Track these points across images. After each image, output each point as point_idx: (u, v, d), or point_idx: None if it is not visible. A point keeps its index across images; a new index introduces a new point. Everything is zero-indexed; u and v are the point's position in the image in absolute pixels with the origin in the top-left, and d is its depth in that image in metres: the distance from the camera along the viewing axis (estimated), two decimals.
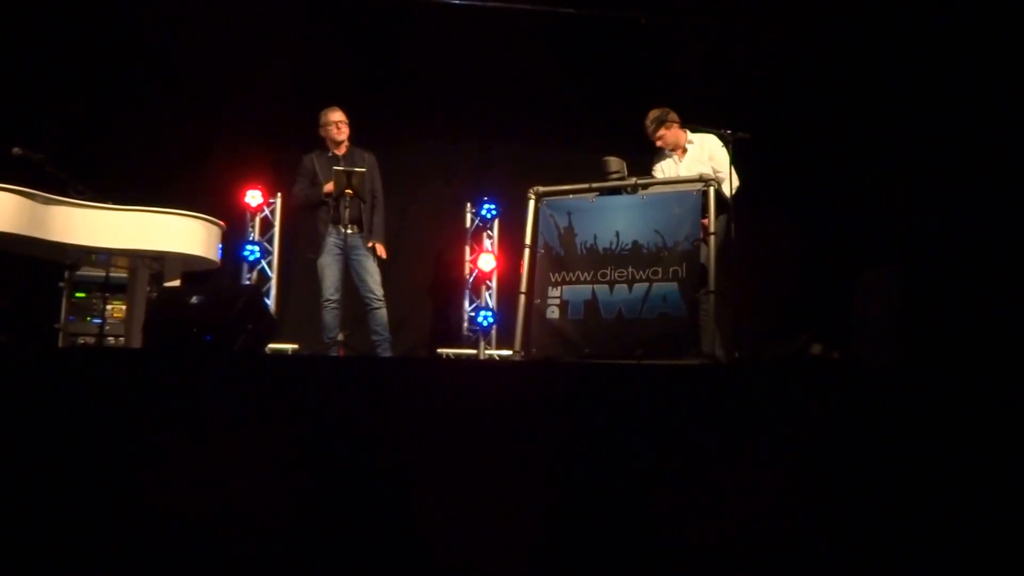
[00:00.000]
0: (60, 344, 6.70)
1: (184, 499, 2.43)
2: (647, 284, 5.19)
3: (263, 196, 8.01)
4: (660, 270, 5.19)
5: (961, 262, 4.18)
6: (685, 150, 5.97)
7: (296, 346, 7.27)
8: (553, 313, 5.39)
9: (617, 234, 5.36)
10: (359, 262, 6.28)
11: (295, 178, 6.51)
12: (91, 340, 6.76)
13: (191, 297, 4.53)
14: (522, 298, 5.57)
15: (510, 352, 5.97)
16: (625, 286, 5.25)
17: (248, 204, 7.97)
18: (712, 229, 5.15)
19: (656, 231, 5.27)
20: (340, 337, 6.05)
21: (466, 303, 8.37)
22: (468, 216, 8.46)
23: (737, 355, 5.52)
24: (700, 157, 5.91)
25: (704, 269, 5.15)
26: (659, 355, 4.92)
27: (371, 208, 6.39)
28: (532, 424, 2.60)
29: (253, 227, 8.03)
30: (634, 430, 2.59)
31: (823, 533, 2.45)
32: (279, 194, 8.03)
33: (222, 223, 6.19)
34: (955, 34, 7.00)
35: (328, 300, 6.20)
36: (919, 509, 2.45)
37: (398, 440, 2.58)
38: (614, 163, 5.68)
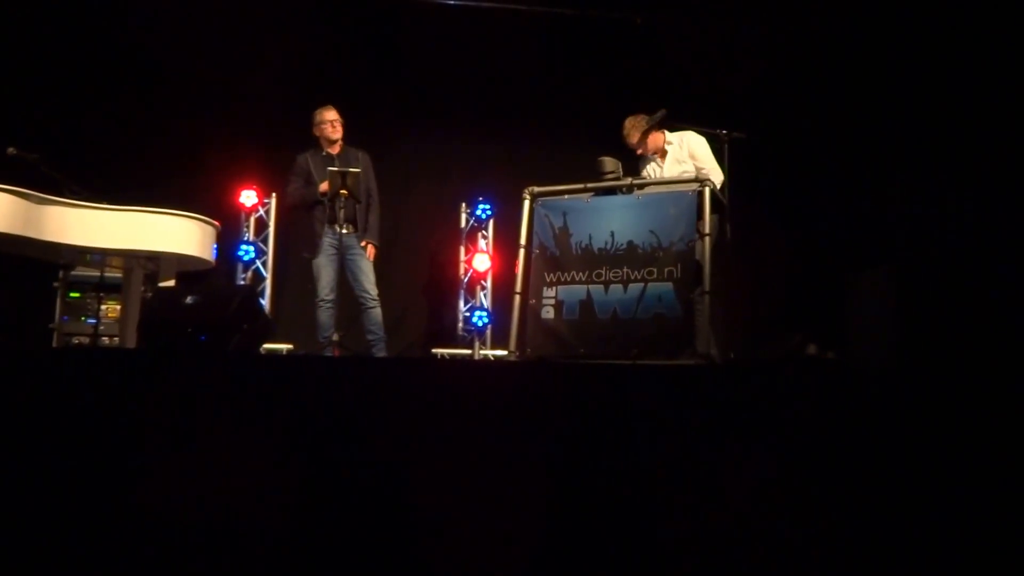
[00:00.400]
0: (54, 344, 6.69)
1: (179, 499, 2.43)
2: (642, 284, 5.19)
3: (258, 196, 8.00)
4: (655, 270, 5.19)
5: (955, 262, 4.19)
6: (665, 152, 5.96)
7: (291, 346, 7.27)
8: (548, 313, 5.38)
9: (612, 234, 5.35)
10: (354, 261, 6.27)
11: (289, 178, 6.49)
12: (85, 340, 6.75)
13: (186, 297, 4.53)
14: (517, 298, 5.56)
15: (505, 352, 5.98)
16: (620, 286, 5.25)
17: (243, 204, 7.97)
18: (707, 229, 5.15)
19: (651, 231, 5.26)
20: (335, 337, 6.05)
21: (461, 303, 8.38)
22: (463, 216, 8.46)
23: (732, 355, 5.52)
24: (681, 156, 5.90)
25: (699, 269, 5.15)
26: (654, 355, 4.91)
27: (366, 208, 6.39)
28: (527, 424, 2.60)
29: (248, 227, 8.03)
30: (629, 430, 2.59)
31: (818, 533, 2.46)
32: (274, 194, 8.02)
33: (217, 223, 6.18)
34: (949, 36, 7.02)
35: (323, 300, 6.19)
36: (914, 509, 2.45)
37: (393, 440, 2.58)
38: (609, 163, 5.67)
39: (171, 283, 6.06)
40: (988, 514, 2.42)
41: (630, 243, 5.30)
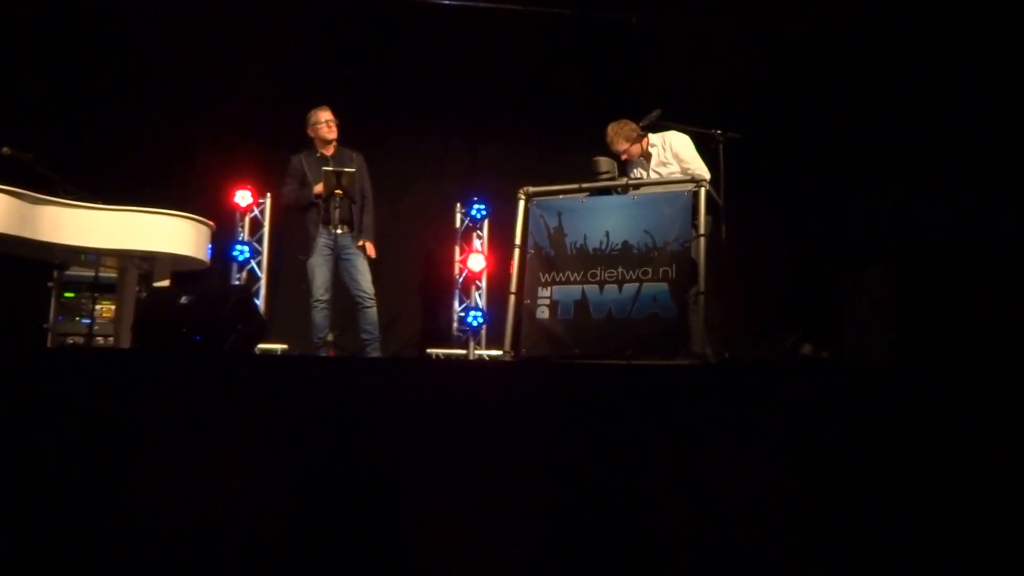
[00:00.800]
0: (49, 344, 6.67)
1: (174, 500, 2.43)
2: (637, 284, 5.19)
3: (253, 196, 7.99)
4: (650, 270, 5.19)
5: (950, 262, 4.19)
6: (650, 155, 5.96)
7: (285, 346, 7.26)
8: (543, 313, 5.39)
9: (607, 234, 5.36)
10: (350, 261, 6.26)
11: (283, 179, 6.48)
12: (80, 340, 6.73)
13: (181, 297, 4.52)
14: (512, 298, 5.56)
15: (500, 352, 5.97)
16: (615, 286, 5.25)
17: (238, 204, 7.96)
18: (702, 230, 5.15)
19: (646, 231, 5.27)
20: (330, 337, 6.04)
21: (456, 303, 8.37)
22: (458, 216, 8.45)
23: (727, 355, 5.53)
24: (665, 158, 5.89)
25: (694, 269, 5.15)
26: (649, 355, 4.92)
27: (361, 208, 6.38)
28: (522, 424, 2.60)
29: (243, 227, 8.02)
30: (624, 430, 2.59)
31: (814, 531, 2.46)
32: (268, 194, 8.01)
33: (212, 223, 6.17)
34: (944, 37, 7.03)
35: (318, 300, 6.18)
36: (910, 507, 2.45)
37: (388, 440, 2.58)
38: (604, 163, 5.68)
39: (166, 283, 6.06)
40: (984, 513, 2.43)
41: (625, 243, 5.30)
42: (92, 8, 7.44)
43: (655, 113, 5.73)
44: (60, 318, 6.81)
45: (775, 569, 2.43)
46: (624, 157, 5.90)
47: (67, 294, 6.85)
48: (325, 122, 6.38)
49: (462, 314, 8.31)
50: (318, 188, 6.17)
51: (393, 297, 7.97)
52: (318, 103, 6.50)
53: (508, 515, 2.47)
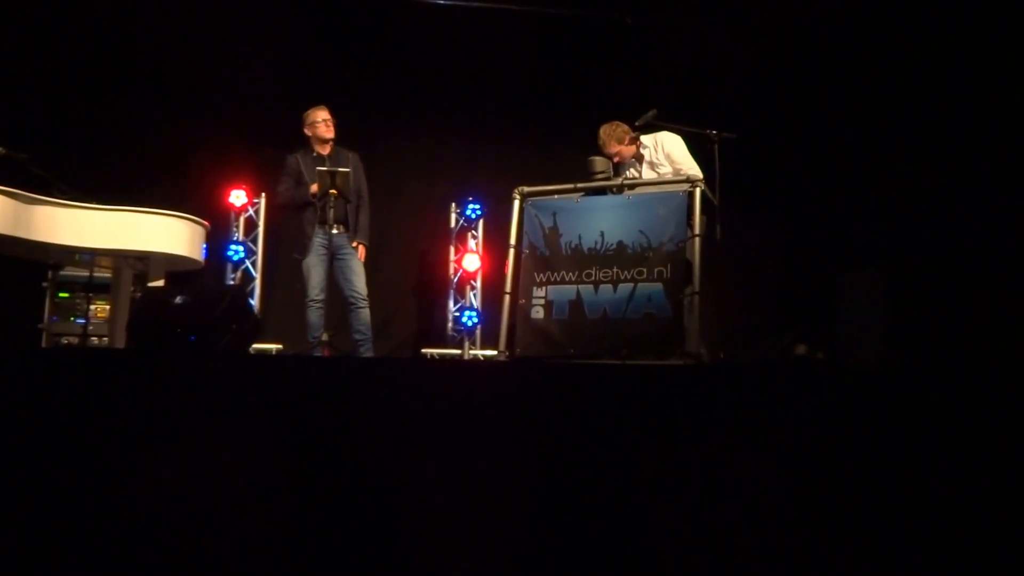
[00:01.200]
0: (43, 344, 6.66)
1: (169, 500, 2.42)
2: (632, 284, 5.20)
3: (247, 196, 7.98)
4: (645, 270, 5.20)
5: (943, 264, 4.21)
6: (642, 156, 5.96)
7: (280, 346, 7.26)
8: (538, 313, 5.39)
9: (602, 234, 5.36)
10: (344, 262, 6.25)
11: (280, 178, 6.47)
12: (75, 340, 6.73)
13: (175, 297, 4.52)
14: (507, 298, 5.56)
15: (495, 352, 5.97)
16: (610, 286, 5.26)
17: (232, 204, 7.95)
18: (697, 230, 5.16)
19: (641, 231, 5.27)
20: (324, 337, 6.03)
21: (450, 303, 8.37)
22: (453, 216, 8.45)
23: (722, 356, 5.54)
24: (657, 159, 5.89)
25: (689, 269, 5.16)
26: (644, 355, 4.92)
27: (356, 208, 6.37)
28: (517, 424, 2.60)
29: (237, 227, 8.01)
30: (619, 430, 2.59)
31: (808, 532, 2.46)
32: (263, 194, 8.01)
33: (206, 223, 6.17)
34: (939, 39, 7.04)
35: (313, 300, 6.17)
36: (904, 507, 2.46)
37: (383, 440, 2.57)
38: (599, 163, 5.68)
39: (160, 283, 6.05)
40: (978, 513, 2.43)
41: (620, 243, 5.31)
42: (87, 7, 7.43)
43: (651, 113, 5.72)
44: (55, 318, 6.81)
45: (769, 569, 2.44)
46: (616, 159, 5.90)
47: (62, 294, 6.84)
48: (323, 121, 6.36)
49: (457, 314, 8.31)
50: (314, 188, 6.16)
51: (388, 297, 7.96)
52: (314, 103, 6.49)
53: (503, 515, 2.47)
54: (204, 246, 6.22)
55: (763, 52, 7.79)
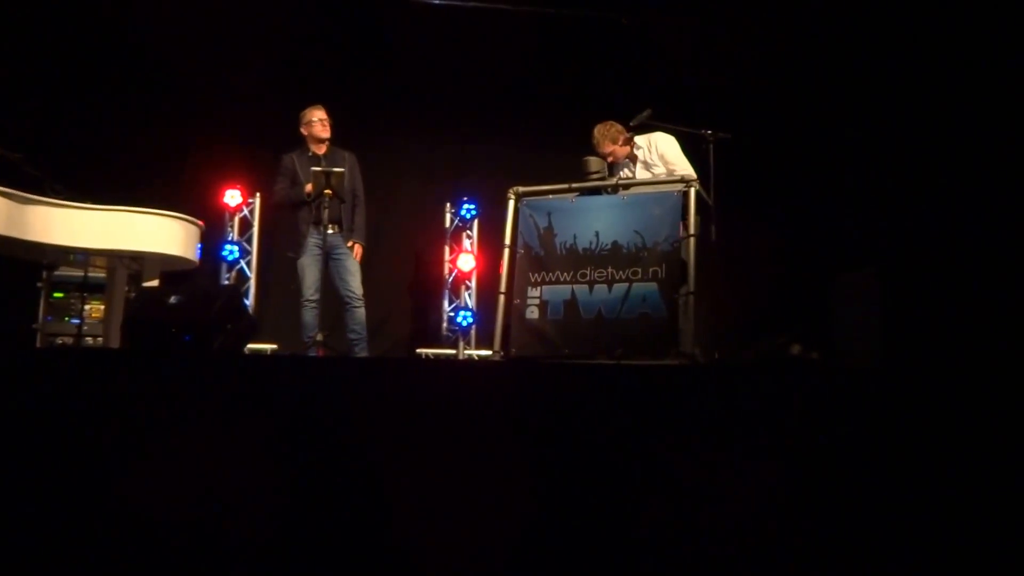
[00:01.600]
0: (38, 344, 6.65)
1: (163, 501, 2.42)
2: (627, 284, 5.21)
3: (242, 196, 7.97)
4: (640, 270, 5.21)
5: (938, 264, 4.21)
6: (635, 156, 5.97)
7: (275, 346, 7.25)
8: (533, 313, 5.39)
9: (597, 234, 5.37)
10: (340, 261, 6.25)
11: (276, 178, 6.46)
12: (69, 340, 6.71)
13: (170, 297, 4.50)
14: (501, 298, 5.56)
15: (489, 352, 5.97)
16: (605, 286, 5.26)
17: (227, 204, 7.94)
18: (692, 230, 5.16)
19: (636, 231, 5.28)
20: (319, 337, 6.03)
21: (445, 303, 8.37)
22: (448, 216, 8.46)
23: (717, 355, 5.54)
24: (651, 160, 5.90)
25: (684, 269, 5.16)
26: (639, 355, 4.92)
27: (351, 208, 6.37)
28: (512, 424, 2.60)
29: (232, 227, 8.00)
30: (614, 430, 2.59)
31: (803, 532, 2.46)
32: (258, 194, 8.00)
33: (201, 223, 6.15)
34: (932, 39, 7.05)
35: (308, 300, 6.16)
36: (899, 507, 2.46)
37: (378, 440, 2.57)
38: (594, 163, 5.68)
39: (155, 283, 6.05)
40: (974, 512, 2.44)
41: (615, 243, 5.31)
42: (80, 6, 7.41)
43: (646, 113, 5.73)
44: (49, 318, 6.80)
45: (765, 570, 2.44)
46: (610, 159, 5.90)
47: (56, 294, 6.83)
48: (319, 120, 6.36)
49: (451, 314, 8.31)
50: (308, 187, 6.16)
51: (382, 297, 7.96)
52: (309, 102, 6.48)
53: (498, 515, 2.47)
54: (199, 246, 6.21)
55: (758, 52, 7.79)
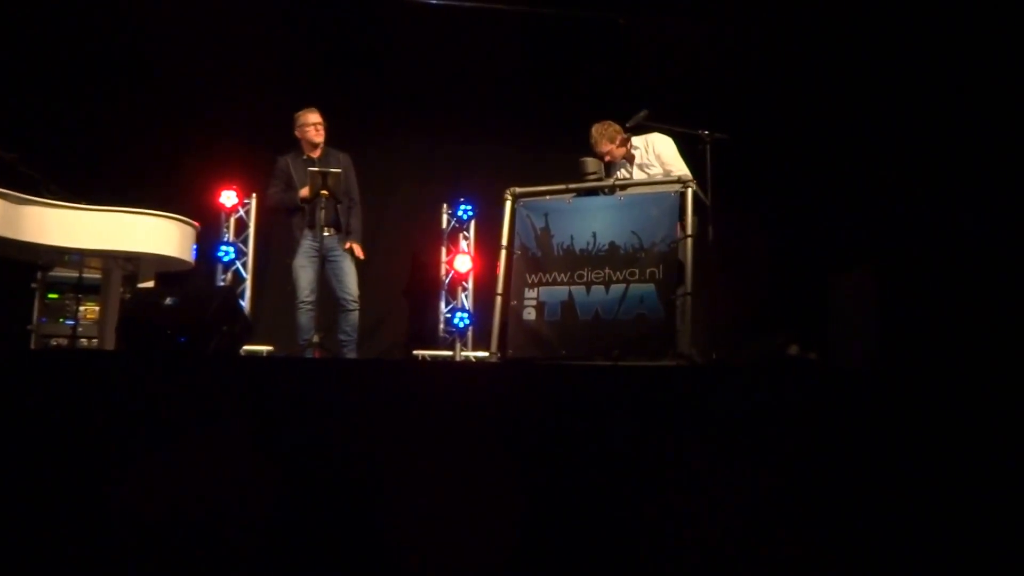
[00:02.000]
0: (32, 346, 6.63)
1: (159, 502, 2.41)
2: (624, 285, 5.20)
3: (238, 196, 7.96)
4: (637, 271, 5.20)
5: (935, 263, 4.20)
6: (632, 156, 5.96)
7: (271, 348, 7.23)
8: (530, 314, 5.39)
9: (594, 235, 5.36)
10: (336, 263, 6.23)
11: (270, 180, 6.44)
12: (64, 342, 6.70)
13: (165, 298, 4.51)
14: (498, 299, 5.56)
15: (486, 354, 5.97)
16: (602, 287, 5.26)
17: (223, 205, 7.92)
18: (689, 230, 5.16)
19: (633, 232, 5.27)
20: (315, 339, 6.02)
21: (442, 304, 8.36)
22: (444, 217, 8.44)
23: (714, 356, 5.53)
24: (647, 160, 5.90)
25: (681, 270, 5.16)
26: (636, 356, 4.92)
27: (347, 210, 6.35)
28: (509, 426, 2.59)
29: (228, 228, 7.98)
30: (611, 431, 2.59)
31: (801, 533, 2.46)
32: (254, 195, 7.98)
33: (196, 223, 6.15)
34: (928, 38, 7.06)
35: (304, 302, 6.15)
36: (896, 508, 2.45)
37: (374, 442, 2.56)
38: (591, 164, 5.68)
39: (150, 284, 6.03)
40: (970, 513, 2.43)
41: (612, 244, 5.31)
42: (75, 7, 7.39)
43: (642, 114, 5.73)
44: (44, 319, 6.78)
45: (762, 570, 2.43)
46: (607, 158, 5.90)
47: (51, 295, 6.81)
48: (312, 125, 6.33)
49: (448, 315, 8.29)
50: (303, 192, 6.14)
51: (379, 298, 7.95)
52: (304, 103, 6.47)
53: (495, 516, 2.46)
54: (194, 247, 6.20)
55: (754, 53, 7.80)
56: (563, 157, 5.99)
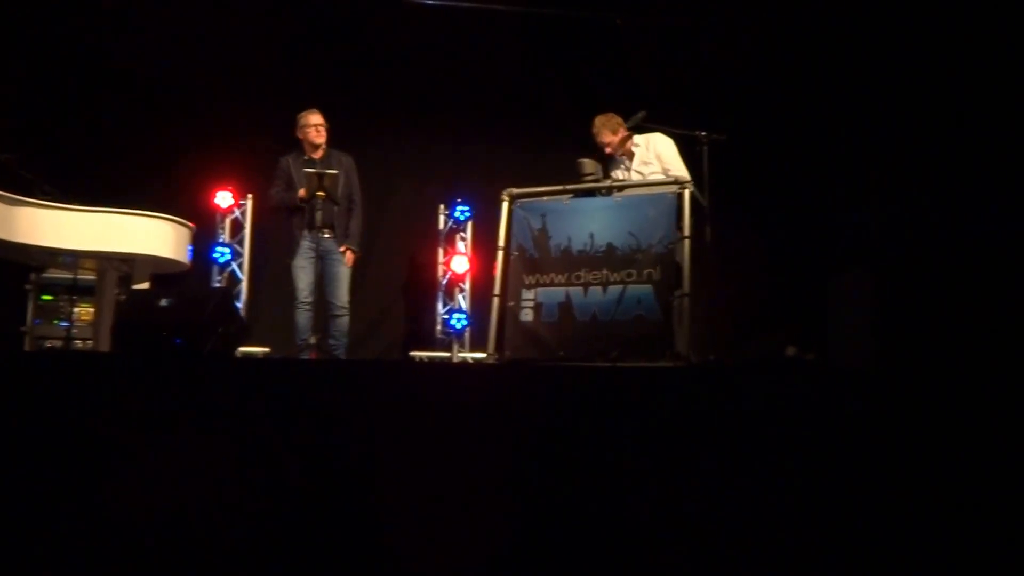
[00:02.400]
0: (26, 347, 6.61)
1: (154, 503, 2.40)
2: (621, 286, 5.19)
3: (234, 197, 7.92)
4: (634, 272, 5.19)
5: (932, 265, 4.20)
6: (633, 153, 5.95)
7: (267, 349, 7.21)
8: (527, 315, 5.38)
9: (591, 236, 5.35)
10: (331, 267, 6.22)
11: (273, 180, 6.43)
12: (58, 343, 6.68)
13: (160, 300, 4.51)
14: (495, 300, 5.55)
15: (484, 355, 5.96)
16: (599, 288, 5.25)
17: (218, 205, 7.89)
18: (687, 231, 5.15)
19: (630, 233, 5.26)
20: (312, 340, 6.00)
21: (439, 305, 8.34)
22: (441, 218, 8.42)
23: (712, 357, 5.53)
24: (647, 158, 5.89)
25: (679, 271, 5.15)
26: (634, 357, 4.91)
27: (347, 212, 6.33)
28: (506, 427, 2.58)
29: (223, 229, 7.95)
30: (608, 433, 2.58)
31: (798, 533, 2.45)
32: (250, 195, 7.95)
33: (192, 224, 6.13)
34: (924, 40, 7.06)
35: (302, 303, 6.15)
36: (894, 508, 2.45)
37: (371, 444, 2.55)
38: (588, 165, 5.67)
39: (145, 285, 6.01)
40: (967, 513, 2.42)
41: (609, 245, 5.30)
42: (71, 10, 7.38)
43: (640, 114, 5.73)
44: (38, 321, 6.76)
45: (760, 570, 2.42)
46: (608, 150, 5.88)
47: (45, 297, 6.79)
48: (314, 126, 6.31)
49: (445, 316, 8.27)
50: (301, 193, 6.13)
51: (376, 299, 7.95)
52: (300, 103, 6.45)
53: (493, 518, 2.45)
54: (190, 248, 6.18)
55: (751, 53, 7.79)
56: (560, 158, 5.97)
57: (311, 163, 6.25)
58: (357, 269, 6.39)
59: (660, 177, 5.65)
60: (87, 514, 2.40)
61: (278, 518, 2.44)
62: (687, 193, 5.21)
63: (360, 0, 7.79)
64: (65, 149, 7.18)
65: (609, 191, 5.57)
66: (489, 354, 5.54)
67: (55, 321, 6.80)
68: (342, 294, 6.23)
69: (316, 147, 6.33)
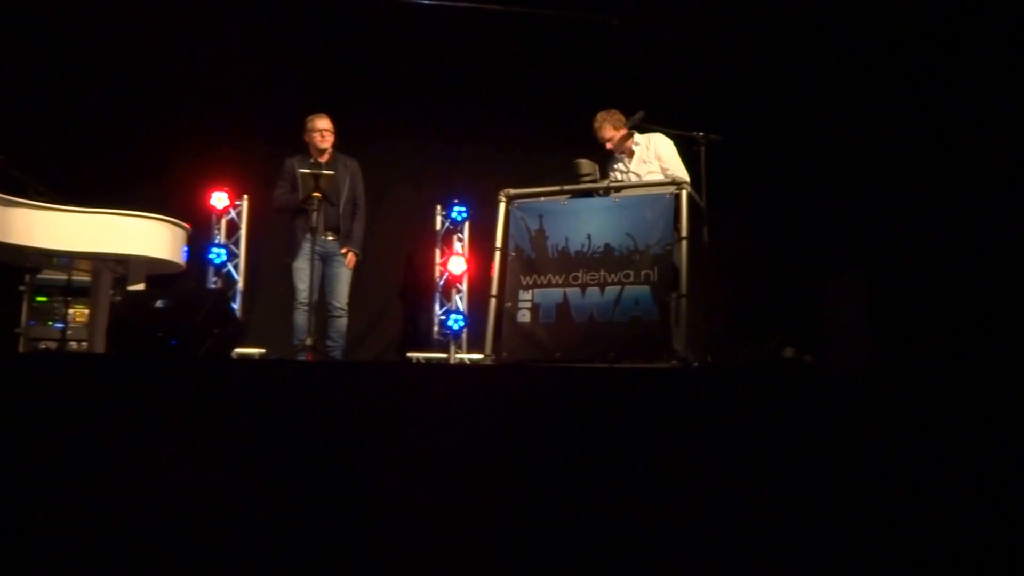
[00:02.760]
0: (21, 349, 6.59)
1: (150, 505, 2.39)
2: (619, 287, 5.19)
3: (229, 198, 7.91)
4: (632, 273, 5.19)
5: (929, 265, 4.20)
6: (633, 152, 5.95)
7: (263, 350, 7.20)
8: (524, 316, 5.38)
9: (589, 237, 5.35)
10: (331, 269, 6.26)
11: (278, 182, 6.43)
12: (53, 345, 6.66)
13: (156, 301, 4.49)
14: (493, 301, 5.55)
15: (481, 356, 5.95)
16: (597, 289, 5.24)
17: (214, 206, 7.87)
18: (684, 232, 5.15)
19: (628, 234, 5.26)
20: (309, 341, 5.99)
21: (436, 306, 8.33)
22: (438, 219, 8.42)
23: (710, 358, 5.52)
24: (647, 157, 5.90)
25: (676, 272, 5.15)
26: (631, 358, 4.92)
27: (351, 215, 6.35)
28: (503, 428, 2.58)
29: (219, 229, 7.93)
30: (606, 434, 2.57)
31: (796, 535, 2.44)
32: (245, 196, 7.94)
33: (187, 225, 6.11)
34: (923, 41, 7.06)
35: (301, 303, 6.16)
36: (892, 510, 2.45)
37: (368, 445, 2.55)
38: (586, 165, 5.67)
39: (141, 287, 5.99)
40: (965, 514, 2.42)
41: (607, 246, 5.30)
42: (66, 9, 7.36)
43: (639, 115, 5.74)
44: (32, 322, 6.74)
45: (758, 571, 2.42)
46: (609, 146, 5.89)
47: (39, 298, 6.77)
48: (319, 131, 6.34)
49: (443, 317, 8.26)
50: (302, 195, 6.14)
51: (373, 300, 7.94)
52: (297, 104, 6.49)
53: (490, 519, 2.45)
54: (185, 249, 6.17)
55: (749, 54, 7.80)
56: (557, 158, 5.97)
57: (316, 166, 6.27)
58: (354, 270, 6.39)
59: (658, 177, 5.66)
60: (82, 516, 2.39)
61: (274, 519, 2.43)
62: (684, 194, 5.21)
63: (356, 0, 7.78)
64: (60, 149, 7.17)
65: (607, 192, 5.57)
66: (486, 355, 5.53)
67: (50, 322, 6.78)
68: (342, 295, 6.25)
69: (321, 151, 6.35)
